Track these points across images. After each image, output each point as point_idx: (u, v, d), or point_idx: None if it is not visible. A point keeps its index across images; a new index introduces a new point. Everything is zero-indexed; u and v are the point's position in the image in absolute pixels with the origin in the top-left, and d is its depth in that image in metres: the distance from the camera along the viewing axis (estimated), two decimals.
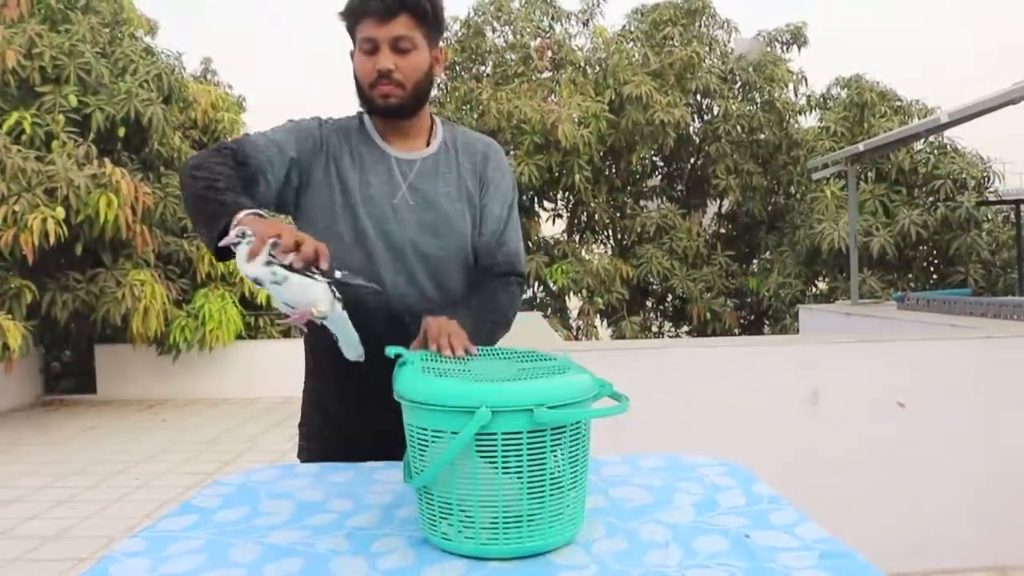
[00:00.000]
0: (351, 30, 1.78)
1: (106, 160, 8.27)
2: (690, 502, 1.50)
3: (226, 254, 1.46)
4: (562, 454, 1.26)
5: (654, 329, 12.07)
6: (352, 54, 1.80)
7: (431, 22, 1.77)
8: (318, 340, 1.81)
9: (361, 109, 1.86)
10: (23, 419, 8.77)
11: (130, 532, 4.73)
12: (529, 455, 1.23)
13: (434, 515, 1.29)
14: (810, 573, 1.16)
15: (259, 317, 10.63)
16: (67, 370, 10.49)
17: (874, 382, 3.69)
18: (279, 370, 9.72)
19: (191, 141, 10.57)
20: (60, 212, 7.53)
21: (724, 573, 1.17)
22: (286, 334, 11.11)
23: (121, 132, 8.75)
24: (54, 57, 8.23)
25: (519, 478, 1.23)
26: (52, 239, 7.48)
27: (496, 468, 1.23)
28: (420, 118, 1.85)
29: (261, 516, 1.48)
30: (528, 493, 1.24)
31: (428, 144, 1.87)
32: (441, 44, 1.87)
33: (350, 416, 1.87)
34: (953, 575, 3.64)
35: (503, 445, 1.22)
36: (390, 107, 1.76)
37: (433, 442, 1.26)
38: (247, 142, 1.74)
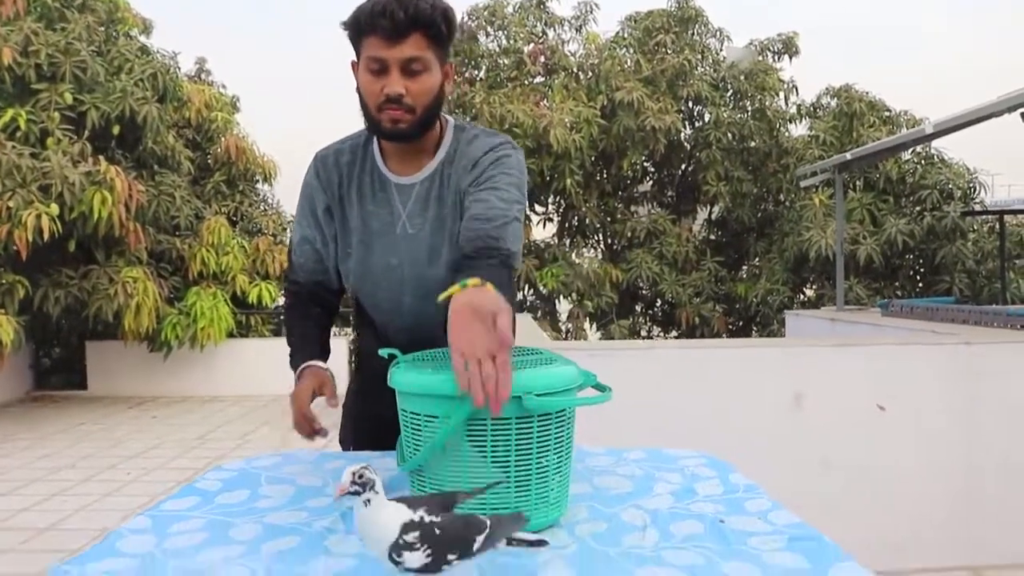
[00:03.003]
0: (355, 43, 1.67)
1: (100, 158, 8.31)
2: (669, 490, 1.57)
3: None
4: (548, 440, 1.33)
5: (643, 333, 12.15)
6: (354, 65, 1.70)
7: (444, 40, 1.65)
8: (364, 343, 1.96)
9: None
10: (13, 414, 8.79)
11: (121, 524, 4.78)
12: (517, 440, 1.30)
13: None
14: (779, 555, 1.23)
15: (250, 316, 10.67)
16: (56, 366, 10.51)
17: (856, 385, 3.78)
18: (270, 369, 9.70)
19: (184, 140, 10.62)
20: (54, 209, 7.56)
21: (697, 555, 1.24)
22: (277, 333, 11.16)
23: (116, 130, 8.78)
24: (50, 55, 8.25)
25: (507, 463, 1.30)
26: (46, 235, 7.51)
27: (485, 453, 1.30)
28: (428, 136, 1.74)
29: (261, 499, 1.54)
30: (515, 477, 1.31)
31: (433, 156, 1.77)
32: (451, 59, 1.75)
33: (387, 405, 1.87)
34: (931, 574, 3.72)
35: (492, 430, 1.29)
36: (399, 132, 1.67)
37: (425, 427, 1.33)
38: (296, 269, 1.89)
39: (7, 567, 4.15)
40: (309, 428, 1.54)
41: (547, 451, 1.33)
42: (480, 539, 1.07)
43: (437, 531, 1.07)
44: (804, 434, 3.68)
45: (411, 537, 1.05)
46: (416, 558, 1.05)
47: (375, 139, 1.78)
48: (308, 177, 1.84)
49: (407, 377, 1.38)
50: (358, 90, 1.70)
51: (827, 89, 12.03)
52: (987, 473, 3.78)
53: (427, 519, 1.08)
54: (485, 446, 1.29)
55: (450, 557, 1.06)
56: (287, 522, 1.39)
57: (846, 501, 3.64)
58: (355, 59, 1.69)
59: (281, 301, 10.60)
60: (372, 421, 1.91)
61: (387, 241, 1.76)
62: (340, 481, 1.07)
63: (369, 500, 1.08)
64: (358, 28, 1.63)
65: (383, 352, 1.47)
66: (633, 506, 1.47)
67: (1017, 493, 3.76)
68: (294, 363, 1.77)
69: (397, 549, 1.05)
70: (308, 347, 1.79)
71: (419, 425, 1.34)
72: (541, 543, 1.16)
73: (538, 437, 1.31)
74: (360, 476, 1.08)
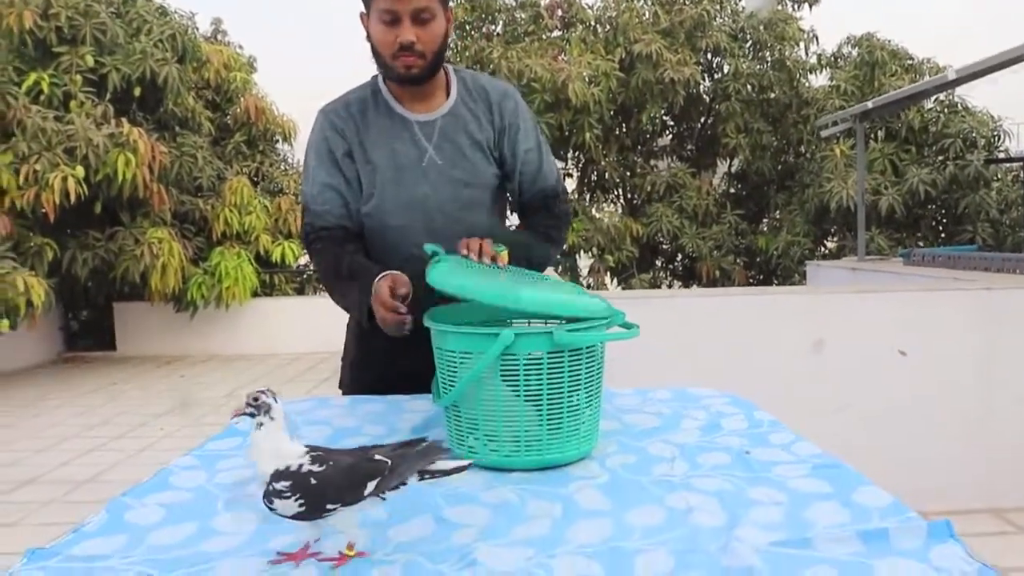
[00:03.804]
0: None
1: (123, 120, 8.38)
2: (696, 426, 1.64)
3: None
4: (580, 373, 1.39)
5: (663, 287, 12.16)
6: (363, 16, 1.83)
7: None
8: None
9: (377, 74, 1.91)
10: (46, 375, 8.96)
11: None
12: (549, 375, 1.36)
13: (461, 431, 1.43)
14: (804, 481, 1.30)
15: (274, 275, 10.78)
16: (85, 328, 10.67)
17: (876, 331, 3.81)
18: (294, 327, 9.88)
19: (204, 101, 10.66)
20: (80, 171, 7.65)
21: (725, 481, 1.31)
22: (300, 292, 11.27)
23: (137, 92, 8.83)
24: (70, 18, 8.29)
25: (539, 397, 1.36)
26: (72, 198, 7.61)
27: (519, 387, 1.36)
28: (436, 78, 1.88)
29: (300, 439, 1.61)
30: (548, 411, 1.37)
31: (446, 99, 1.92)
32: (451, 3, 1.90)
33: (387, 352, 1.97)
34: (952, 516, 3.77)
35: (524, 366, 1.35)
36: (412, 77, 1.81)
37: (461, 363, 1.39)
38: (322, 215, 1.88)
39: (52, 516, 4.29)
40: (396, 317, 1.56)
41: (578, 386, 1.39)
42: (372, 484, 1.04)
43: (313, 480, 1.03)
44: (825, 379, 3.72)
45: (281, 485, 1.03)
46: (288, 506, 1.03)
47: (383, 85, 1.91)
48: (319, 129, 1.91)
49: (446, 314, 1.45)
50: (369, 39, 1.84)
51: (848, 38, 11.87)
52: (1007, 417, 3.82)
53: (304, 468, 1.04)
54: (518, 382, 1.36)
55: (329, 507, 1.03)
56: None
57: (865, 445, 3.68)
58: (364, 11, 1.82)
59: (304, 260, 10.70)
60: (374, 369, 2.01)
61: (416, 173, 1.87)
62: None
63: (262, 424, 1.07)
64: None
65: (427, 248, 1.56)
66: (661, 440, 1.53)
67: None
68: (362, 286, 1.70)
69: (268, 495, 1.04)
70: (364, 269, 1.76)
71: (454, 362, 1.40)
72: (461, 469, 1.12)
73: (569, 372, 1.37)
74: (256, 399, 1.08)
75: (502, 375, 1.36)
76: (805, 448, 1.47)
